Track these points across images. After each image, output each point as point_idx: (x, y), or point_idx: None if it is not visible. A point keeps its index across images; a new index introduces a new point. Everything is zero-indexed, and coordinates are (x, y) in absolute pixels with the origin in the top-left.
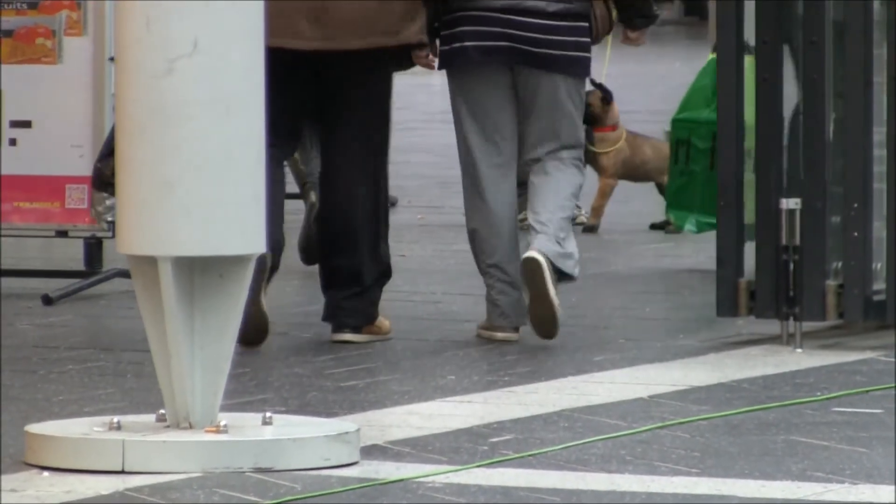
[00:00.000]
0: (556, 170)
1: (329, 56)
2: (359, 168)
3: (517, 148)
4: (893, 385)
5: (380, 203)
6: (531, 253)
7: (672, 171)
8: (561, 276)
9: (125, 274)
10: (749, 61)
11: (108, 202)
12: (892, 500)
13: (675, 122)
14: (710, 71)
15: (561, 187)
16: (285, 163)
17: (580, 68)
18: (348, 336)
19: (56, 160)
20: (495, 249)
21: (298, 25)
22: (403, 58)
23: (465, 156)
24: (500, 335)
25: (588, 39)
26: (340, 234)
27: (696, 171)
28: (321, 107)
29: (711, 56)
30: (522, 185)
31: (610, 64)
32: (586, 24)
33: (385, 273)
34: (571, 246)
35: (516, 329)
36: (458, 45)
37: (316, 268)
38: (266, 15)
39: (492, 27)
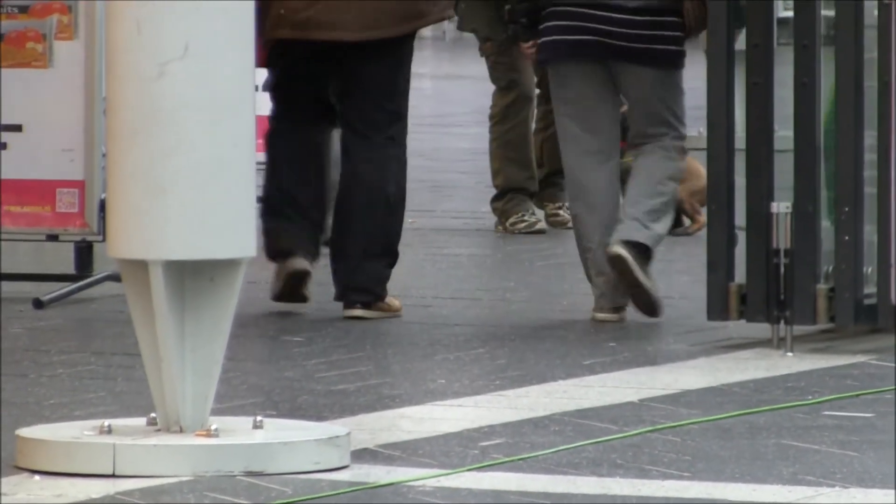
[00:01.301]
0: (650, 155)
1: (343, 44)
2: (375, 151)
3: (617, 136)
4: (886, 388)
5: (397, 185)
6: (613, 248)
7: None
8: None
9: (116, 278)
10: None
11: None
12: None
13: None
14: None
15: (653, 173)
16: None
17: (665, 61)
18: (358, 312)
19: (47, 164)
20: (593, 233)
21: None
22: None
23: (563, 143)
24: (599, 316)
25: (675, 33)
26: (353, 212)
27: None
28: (341, 90)
29: None
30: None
31: None
32: (672, 19)
33: (394, 254)
34: (661, 227)
35: (616, 310)
36: (549, 39)
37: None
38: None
39: (578, 22)
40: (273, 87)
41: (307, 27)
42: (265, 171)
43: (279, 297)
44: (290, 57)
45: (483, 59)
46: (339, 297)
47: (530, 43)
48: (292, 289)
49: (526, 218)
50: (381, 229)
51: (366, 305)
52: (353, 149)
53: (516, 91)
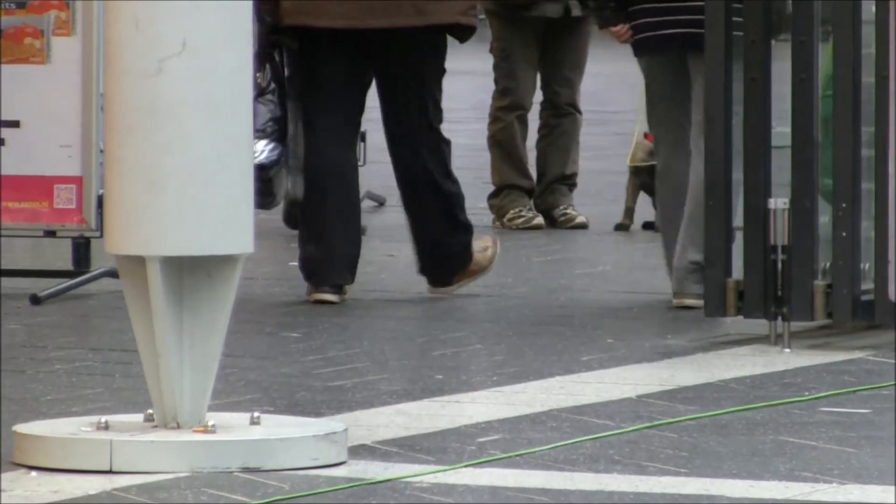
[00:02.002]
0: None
1: (375, 33)
2: (424, 138)
3: (687, 129)
4: (883, 385)
5: (447, 166)
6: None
7: None
8: None
9: (113, 274)
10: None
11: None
12: (882, 501)
13: None
14: None
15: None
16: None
17: None
18: (441, 288)
19: (45, 160)
20: (672, 221)
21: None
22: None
23: (653, 134)
24: (674, 301)
25: None
26: (418, 201)
27: None
28: (380, 82)
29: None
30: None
31: (599, 63)
32: None
33: (465, 226)
34: None
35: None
36: (641, 35)
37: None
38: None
39: (664, 17)
40: (303, 84)
41: (353, 16)
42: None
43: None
44: (318, 50)
45: (489, 55)
46: (421, 272)
47: (621, 27)
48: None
49: (523, 213)
50: (446, 210)
51: (444, 283)
52: (401, 138)
53: (510, 98)
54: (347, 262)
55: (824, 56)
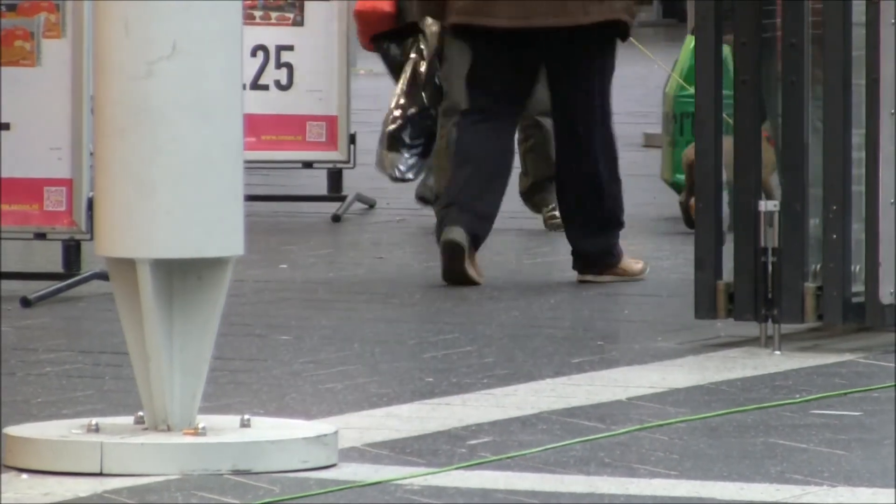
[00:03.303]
0: None
1: (542, 32)
2: (594, 132)
3: None
4: (874, 387)
5: (613, 162)
6: None
7: (679, 142)
8: None
9: (104, 276)
10: None
11: (406, 157)
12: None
13: (678, 99)
14: (686, 44)
15: None
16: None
17: None
18: (588, 277)
19: (35, 162)
20: None
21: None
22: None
23: None
24: None
25: None
26: (580, 192)
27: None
28: (550, 81)
29: (689, 37)
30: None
31: None
32: None
33: (620, 224)
34: None
35: None
36: None
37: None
38: None
39: None
40: (473, 79)
41: (521, 16)
42: (451, 167)
43: (443, 274)
44: (489, 46)
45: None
46: (574, 266)
47: None
48: (451, 263)
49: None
50: (606, 204)
51: (596, 272)
52: (572, 136)
53: (447, 102)
54: (481, 228)
55: (684, 50)
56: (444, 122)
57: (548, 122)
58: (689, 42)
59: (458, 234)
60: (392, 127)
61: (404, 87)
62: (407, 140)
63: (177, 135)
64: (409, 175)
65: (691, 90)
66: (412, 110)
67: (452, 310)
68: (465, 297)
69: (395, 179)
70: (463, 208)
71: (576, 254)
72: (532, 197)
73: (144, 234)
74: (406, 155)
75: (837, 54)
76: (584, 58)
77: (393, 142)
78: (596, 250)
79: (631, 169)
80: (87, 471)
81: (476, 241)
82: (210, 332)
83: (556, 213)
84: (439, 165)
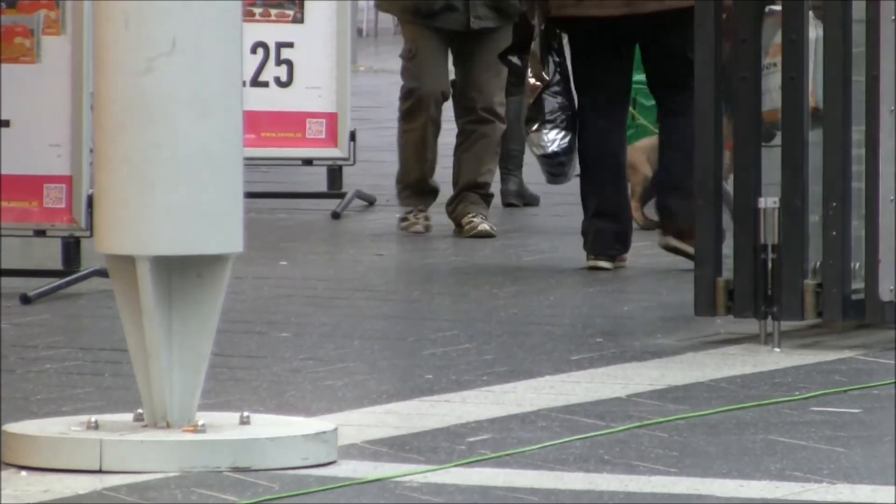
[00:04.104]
0: None
1: (645, 17)
2: (687, 105)
3: None
4: (873, 384)
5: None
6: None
7: (628, 125)
8: None
9: (103, 273)
10: None
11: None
12: (872, 501)
13: None
14: None
15: None
16: None
17: None
18: (675, 243)
19: (34, 159)
20: None
21: None
22: None
23: None
24: None
25: None
26: (680, 162)
27: (645, 124)
28: (649, 62)
29: None
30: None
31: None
32: None
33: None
34: None
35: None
36: None
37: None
38: None
39: None
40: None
41: (626, 4)
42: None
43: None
44: (589, 37)
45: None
46: (665, 231)
47: None
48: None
49: (410, 218)
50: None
51: (687, 239)
52: (675, 112)
53: (412, 100)
54: (615, 236)
55: None
56: (410, 119)
57: (494, 123)
58: None
59: (603, 262)
60: (528, 112)
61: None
62: (543, 117)
63: (176, 131)
64: (553, 147)
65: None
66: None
67: (452, 307)
68: (464, 294)
69: (546, 157)
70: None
71: (671, 216)
72: (455, 208)
73: (144, 231)
74: (544, 130)
75: (838, 51)
76: (684, 37)
77: (530, 124)
78: (691, 215)
79: None
80: (86, 468)
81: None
82: (209, 329)
83: (475, 220)
84: (406, 156)
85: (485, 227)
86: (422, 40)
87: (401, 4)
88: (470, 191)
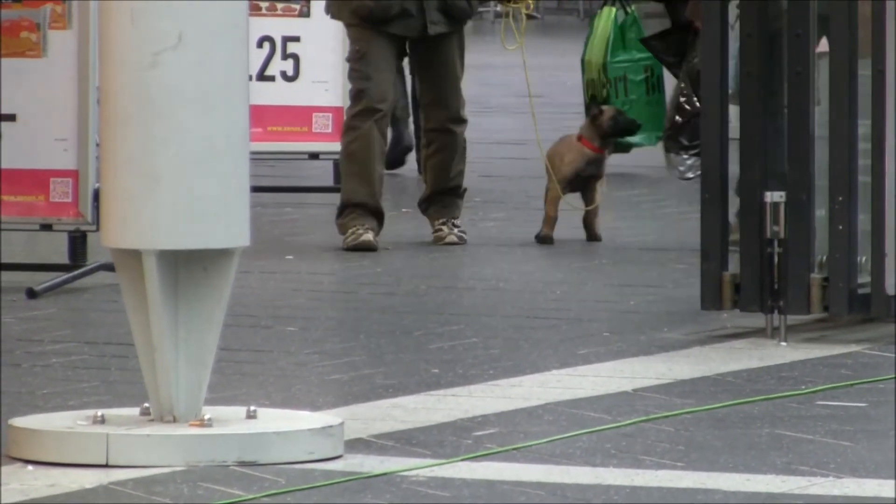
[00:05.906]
0: None
1: None
2: None
3: None
4: (880, 378)
5: None
6: None
7: (616, 104)
8: None
9: (109, 267)
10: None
11: (685, 158)
12: (878, 495)
13: (612, 64)
14: (603, 16)
15: None
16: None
17: None
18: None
19: (40, 154)
20: None
21: None
22: None
23: None
24: None
25: None
26: None
27: (635, 98)
28: None
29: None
30: None
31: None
32: None
33: None
34: None
35: None
36: None
37: None
38: None
39: None
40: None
41: None
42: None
43: None
44: None
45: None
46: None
47: None
48: None
49: (356, 231)
50: None
51: None
52: None
53: (364, 102)
54: None
55: (602, 20)
56: (360, 122)
57: (459, 129)
58: (608, 13)
59: None
60: (670, 130)
61: (683, 89)
62: (685, 142)
63: (183, 126)
64: (689, 175)
65: (626, 56)
66: (689, 112)
67: (458, 301)
68: (470, 288)
69: (682, 179)
70: None
71: None
72: (428, 208)
73: (150, 225)
74: (685, 156)
75: (844, 45)
76: None
77: (671, 144)
78: None
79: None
80: (92, 462)
81: None
82: (216, 323)
83: (444, 229)
84: (348, 171)
85: (452, 238)
86: (372, 42)
87: (352, 6)
88: (441, 194)
